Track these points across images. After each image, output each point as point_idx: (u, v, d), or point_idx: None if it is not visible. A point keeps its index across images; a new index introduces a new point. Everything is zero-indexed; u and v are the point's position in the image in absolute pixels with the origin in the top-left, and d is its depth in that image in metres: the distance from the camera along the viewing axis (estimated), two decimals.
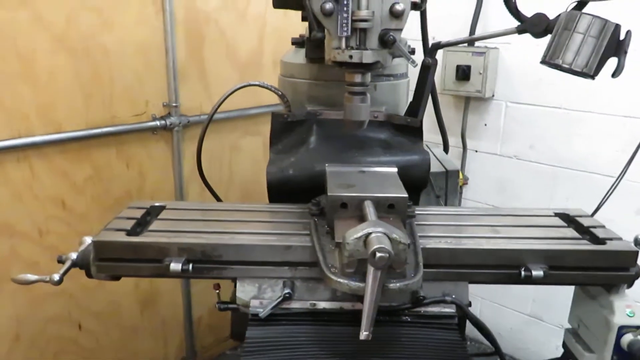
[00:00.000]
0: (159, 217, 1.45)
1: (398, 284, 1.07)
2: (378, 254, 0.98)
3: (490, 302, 3.09)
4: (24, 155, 2.08)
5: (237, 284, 1.31)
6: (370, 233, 1.04)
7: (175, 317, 2.82)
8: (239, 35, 2.68)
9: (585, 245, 1.34)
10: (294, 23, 2.81)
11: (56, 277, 1.29)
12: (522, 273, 1.27)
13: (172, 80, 2.44)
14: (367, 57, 1.18)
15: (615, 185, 1.60)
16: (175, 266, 1.22)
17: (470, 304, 1.34)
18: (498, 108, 2.84)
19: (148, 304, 2.68)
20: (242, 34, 2.69)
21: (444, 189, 1.95)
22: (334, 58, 1.21)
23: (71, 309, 2.36)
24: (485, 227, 1.42)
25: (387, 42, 1.15)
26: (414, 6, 1.25)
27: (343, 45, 1.18)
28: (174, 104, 2.46)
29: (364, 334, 1.02)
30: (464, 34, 2.83)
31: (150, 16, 2.33)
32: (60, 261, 1.33)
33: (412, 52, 1.53)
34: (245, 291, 1.30)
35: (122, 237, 1.29)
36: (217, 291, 1.51)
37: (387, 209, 1.27)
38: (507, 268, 1.29)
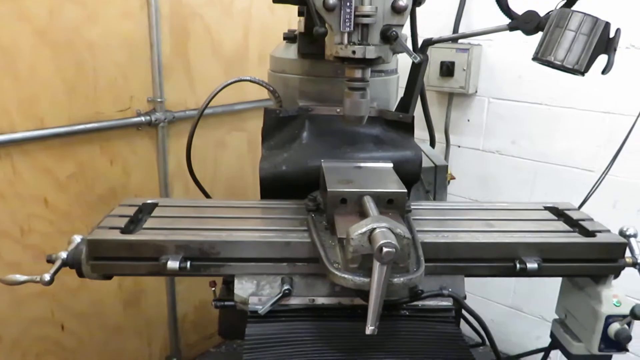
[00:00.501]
0: (152, 214, 1.43)
1: (402, 279, 1.08)
2: (385, 249, 0.99)
3: (472, 294, 3.14)
4: (6, 151, 2.01)
5: (235, 281, 1.30)
6: (374, 228, 1.05)
7: (159, 315, 2.79)
8: (224, 30, 2.65)
9: (577, 238, 1.37)
10: (279, 19, 2.82)
11: (47, 277, 1.26)
12: (517, 266, 1.29)
13: (157, 75, 2.40)
14: (370, 52, 1.18)
15: (600, 179, 1.65)
16: (173, 264, 1.21)
17: (465, 297, 1.36)
18: (481, 104, 2.89)
19: (132, 303, 2.64)
20: (228, 29, 2.67)
21: (432, 183, 1.97)
22: (336, 53, 1.21)
23: (54, 309, 2.32)
24: (480, 221, 1.45)
25: (390, 37, 1.16)
26: (415, 2, 1.26)
27: (345, 40, 1.18)
28: (159, 100, 2.43)
29: (369, 329, 1.03)
30: (447, 30, 2.86)
31: (135, 10, 2.29)
32: (50, 260, 1.30)
33: None
34: (243, 288, 1.30)
35: (116, 236, 1.27)
36: (213, 288, 1.49)
37: (386, 204, 1.28)
38: (502, 261, 1.32)
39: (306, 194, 1.54)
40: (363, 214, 1.24)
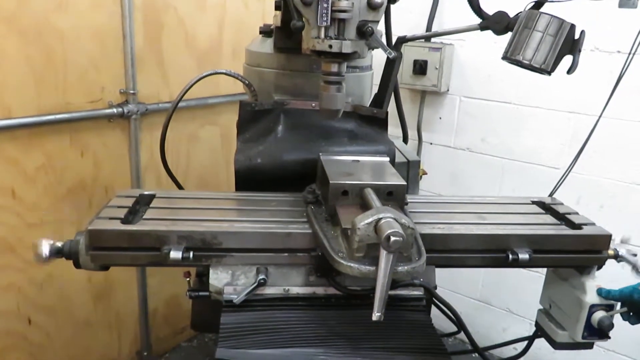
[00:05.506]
0: (151, 205, 1.43)
1: (406, 267, 1.10)
2: (393, 238, 1.02)
3: (442, 288, 3.19)
4: None
5: (210, 271, 1.31)
6: (380, 218, 1.07)
7: (130, 310, 2.76)
8: (198, 23, 2.64)
9: (565, 230, 1.43)
10: (254, 13, 2.82)
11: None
12: (510, 257, 1.34)
13: (129, 67, 2.37)
14: (347, 47, 1.21)
15: (564, 176, 1.71)
16: (176, 254, 1.22)
17: (436, 287, 1.40)
18: (452, 102, 2.95)
19: (102, 297, 2.60)
20: (202, 23, 2.65)
21: (405, 178, 2.00)
22: (313, 47, 1.22)
23: (20, 303, 2.26)
24: (472, 214, 1.49)
25: (365, 33, 1.18)
26: None
27: (322, 34, 1.20)
28: (131, 92, 2.40)
29: (376, 315, 1.05)
30: (419, 29, 2.91)
31: (108, 0, 2.25)
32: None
33: None
34: (218, 278, 1.31)
35: (118, 226, 1.27)
36: (188, 279, 1.49)
37: (386, 196, 1.31)
38: (495, 252, 1.36)
39: (280, 187, 1.56)
40: (364, 206, 1.27)
